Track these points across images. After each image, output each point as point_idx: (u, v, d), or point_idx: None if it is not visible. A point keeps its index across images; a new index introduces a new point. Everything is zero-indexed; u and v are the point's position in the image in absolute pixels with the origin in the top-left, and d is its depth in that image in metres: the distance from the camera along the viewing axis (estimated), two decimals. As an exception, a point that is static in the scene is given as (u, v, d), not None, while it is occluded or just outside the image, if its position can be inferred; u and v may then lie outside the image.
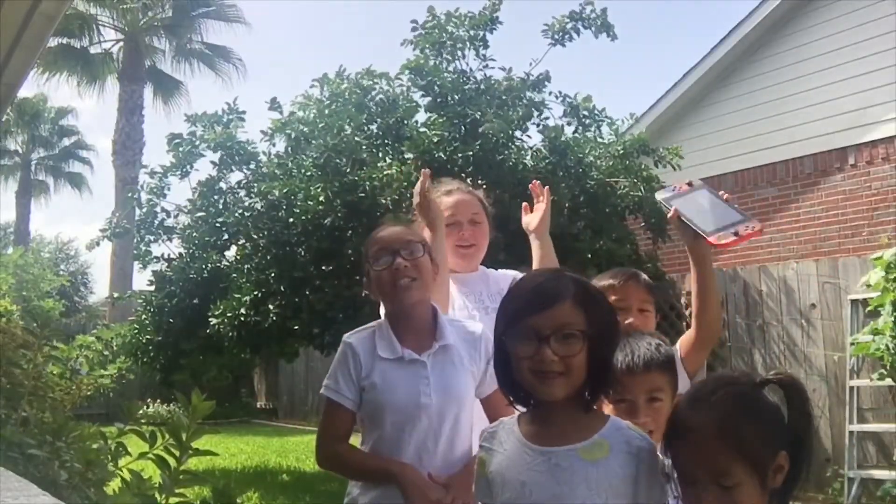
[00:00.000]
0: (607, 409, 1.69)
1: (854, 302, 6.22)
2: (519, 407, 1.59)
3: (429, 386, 2.01)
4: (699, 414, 1.44)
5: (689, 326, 2.21)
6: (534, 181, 2.79)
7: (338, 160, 6.39)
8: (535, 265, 2.60)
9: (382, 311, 2.24)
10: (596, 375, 1.49)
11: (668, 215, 1.95)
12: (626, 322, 2.12)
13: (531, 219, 2.67)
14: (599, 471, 1.43)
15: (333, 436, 2.07)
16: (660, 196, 2.00)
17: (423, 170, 2.52)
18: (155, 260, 7.61)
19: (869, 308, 5.79)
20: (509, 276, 2.62)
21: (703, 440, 1.41)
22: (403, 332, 2.06)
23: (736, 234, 1.83)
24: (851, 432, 6.04)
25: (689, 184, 2.00)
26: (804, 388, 1.51)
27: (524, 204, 2.75)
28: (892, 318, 5.32)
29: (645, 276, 2.38)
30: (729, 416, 1.42)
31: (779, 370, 1.70)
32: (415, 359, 2.02)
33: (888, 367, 5.43)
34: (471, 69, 6.88)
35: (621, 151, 6.91)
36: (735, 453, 1.39)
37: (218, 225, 7.18)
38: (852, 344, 5.92)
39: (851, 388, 6.15)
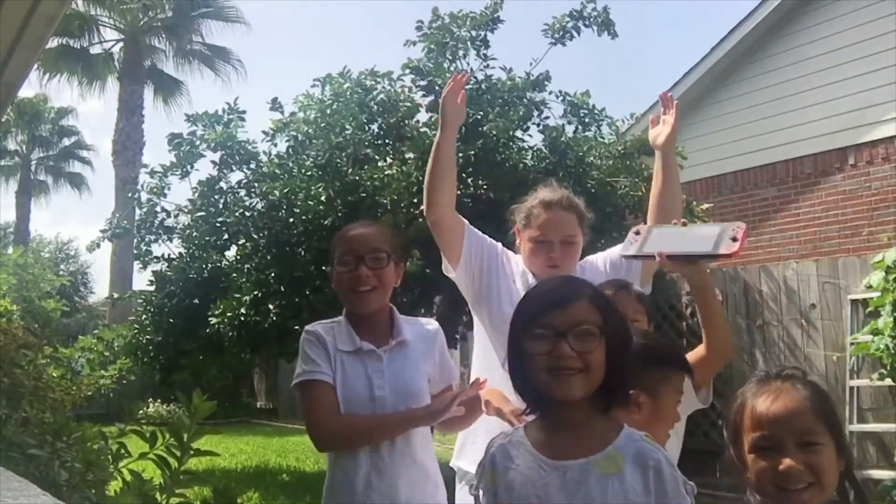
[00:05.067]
0: None
1: (854, 302, 6.22)
2: (527, 417, 1.58)
3: (382, 378, 2.04)
4: (795, 381, 1.53)
5: (688, 327, 2.24)
6: (665, 94, 2.61)
7: (339, 160, 6.38)
8: (656, 186, 2.53)
9: None
10: (613, 378, 1.47)
11: (657, 262, 1.99)
12: None
13: (658, 132, 2.56)
14: (614, 486, 1.40)
15: (332, 411, 2.03)
16: (628, 253, 2.02)
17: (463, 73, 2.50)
18: (155, 260, 7.59)
19: (869, 309, 5.79)
20: (598, 261, 2.58)
21: (798, 401, 1.49)
22: (361, 328, 2.11)
23: (734, 238, 1.84)
24: (851, 432, 6.04)
25: (637, 231, 2.04)
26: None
27: (651, 117, 2.62)
28: (892, 319, 5.31)
29: (636, 287, 2.38)
30: (819, 388, 1.55)
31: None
32: (372, 349, 2.06)
33: (888, 367, 5.43)
34: (471, 69, 6.87)
35: (622, 151, 6.90)
36: (823, 419, 1.49)
37: (218, 225, 7.17)
38: (852, 344, 5.93)
39: (851, 388, 6.15)
